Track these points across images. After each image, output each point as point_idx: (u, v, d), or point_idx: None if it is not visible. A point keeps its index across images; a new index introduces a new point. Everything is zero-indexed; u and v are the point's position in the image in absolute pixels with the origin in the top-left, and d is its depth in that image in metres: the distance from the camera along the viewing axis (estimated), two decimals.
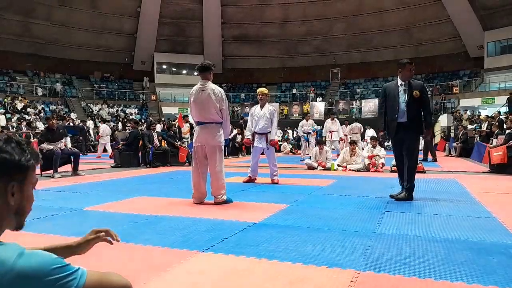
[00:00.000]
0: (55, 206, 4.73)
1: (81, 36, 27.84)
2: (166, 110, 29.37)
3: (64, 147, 8.82)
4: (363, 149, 10.94)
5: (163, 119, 26.78)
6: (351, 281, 2.27)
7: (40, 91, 25.68)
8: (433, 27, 28.04)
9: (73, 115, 23.44)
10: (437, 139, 21.99)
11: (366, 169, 9.51)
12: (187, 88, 30.52)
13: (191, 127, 15.34)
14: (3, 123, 17.94)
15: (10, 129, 17.17)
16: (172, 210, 4.53)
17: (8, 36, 25.17)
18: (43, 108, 23.54)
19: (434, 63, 28.38)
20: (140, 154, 11.16)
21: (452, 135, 17.76)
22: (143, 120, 25.18)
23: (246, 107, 29.17)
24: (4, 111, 20.16)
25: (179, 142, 12.31)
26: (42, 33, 26.46)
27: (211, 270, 2.49)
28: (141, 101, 29.77)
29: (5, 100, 22.46)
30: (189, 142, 13.50)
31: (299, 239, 3.20)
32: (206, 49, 31.54)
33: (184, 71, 32.53)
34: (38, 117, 21.89)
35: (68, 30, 27.34)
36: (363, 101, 27.18)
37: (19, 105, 22.35)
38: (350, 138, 14.72)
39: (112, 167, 10.81)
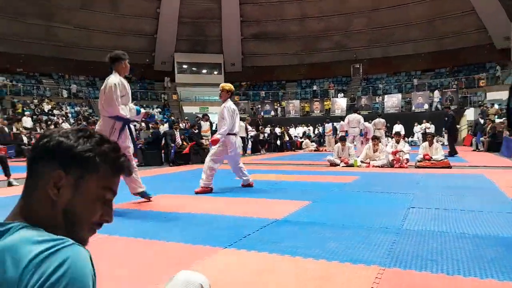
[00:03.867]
0: None
1: (102, 38, 28.38)
2: (187, 109, 29.64)
3: None
4: (386, 145, 10.76)
5: (186, 118, 27.07)
6: (376, 277, 2.23)
7: (65, 93, 26.34)
8: (456, 19, 27.30)
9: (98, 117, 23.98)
10: (463, 133, 21.45)
11: (390, 165, 9.35)
12: (207, 87, 30.80)
13: (211, 125, 15.44)
14: (29, 124, 18.47)
15: (38, 130, 17.67)
16: (194, 207, 4.56)
17: (33, 40, 25.89)
18: (68, 110, 24.15)
19: (458, 56, 27.63)
20: (163, 153, 11.31)
21: (479, 129, 17.26)
22: (164, 120, 25.49)
23: (266, 105, 29.16)
24: (31, 113, 20.76)
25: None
26: (65, 36, 27.09)
27: (233, 267, 2.49)
28: (162, 101, 30.15)
29: (33, 102, 23.13)
30: (209, 140, 13.58)
31: (322, 236, 3.17)
32: (226, 48, 31.65)
33: (204, 70, 32.75)
34: (64, 118, 22.46)
35: (90, 33, 27.91)
36: (386, 96, 26.72)
37: (46, 107, 22.98)
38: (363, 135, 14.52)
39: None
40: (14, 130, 17.66)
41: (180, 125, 14.36)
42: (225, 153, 5.87)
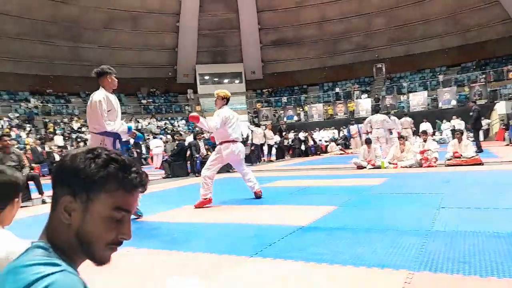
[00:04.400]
0: None
1: (126, 55, 29.12)
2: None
3: None
4: (413, 144, 10.51)
5: None
6: (405, 282, 2.17)
7: None
8: (480, 12, 26.50)
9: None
10: (495, 128, 20.69)
11: (419, 165, 9.11)
12: None
13: None
14: (61, 143, 19.10)
15: (69, 148, 18.26)
16: (219, 216, 4.58)
17: (61, 62, 26.83)
18: None
19: (484, 48, 26.76)
20: (188, 164, 11.45)
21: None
22: (189, 131, 25.82)
23: (289, 110, 29.09)
24: (62, 132, 21.49)
25: None
26: (90, 56, 27.95)
27: (259, 276, 2.47)
28: (186, 112, 30.59)
29: (63, 120, 23.93)
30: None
31: (348, 241, 3.12)
32: (245, 56, 31.87)
33: (226, 80, 33.05)
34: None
35: (114, 51, 28.71)
36: (411, 94, 26.15)
37: (75, 125, 23.74)
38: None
39: (164, 177, 11.17)
40: (47, 149, 18.33)
41: (204, 135, 14.51)
42: (221, 161, 5.70)
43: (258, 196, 5.72)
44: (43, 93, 26.27)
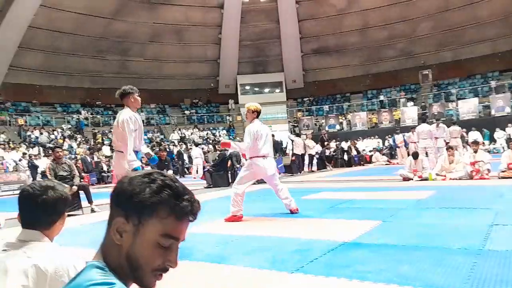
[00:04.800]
0: None
1: (171, 67, 30.10)
2: None
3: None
4: (463, 155, 10.00)
5: None
6: None
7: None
8: None
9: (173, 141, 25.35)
10: None
11: (469, 177, 8.64)
12: (269, 106, 31.11)
13: (275, 144, 15.52)
14: (108, 153, 19.95)
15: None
16: (260, 229, 4.57)
17: (110, 75, 28.20)
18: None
19: None
20: (229, 174, 11.56)
21: None
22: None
23: (331, 119, 28.71)
24: (109, 142, 22.47)
25: None
26: (138, 69, 29.16)
27: None
28: (227, 122, 31.04)
29: (111, 131, 25.04)
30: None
31: (393, 259, 3.00)
32: (286, 66, 31.92)
33: (266, 90, 33.23)
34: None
35: (159, 64, 29.77)
36: (460, 102, 25.00)
37: None
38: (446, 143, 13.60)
39: (205, 187, 11.34)
40: (95, 158, 19.23)
41: None
42: (252, 178, 5.55)
43: (294, 213, 5.52)
44: (93, 105, 27.66)
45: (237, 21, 29.29)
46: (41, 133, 21.87)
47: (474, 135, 17.00)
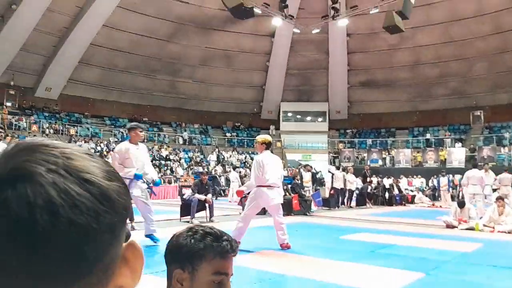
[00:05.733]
0: None
1: (217, 90, 30.86)
2: (290, 156, 29.99)
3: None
4: None
5: (288, 165, 27.42)
6: None
7: (181, 140, 28.94)
8: None
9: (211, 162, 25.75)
10: None
11: None
12: (310, 134, 31.01)
13: (313, 175, 15.29)
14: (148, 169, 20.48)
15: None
16: (298, 269, 4.45)
17: (159, 93, 29.33)
18: (182, 155, 26.37)
19: None
20: None
21: None
22: None
23: (373, 153, 28.07)
24: (151, 158, 23.13)
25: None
26: (186, 90, 30.15)
27: None
28: None
29: (154, 147, 25.84)
30: (311, 191, 13.42)
31: None
32: (331, 96, 31.80)
33: (309, 118, 33.17)
34: (179, 163, 24.52)
35: (207, 86, 30.62)
36: None
37: (164, 153, 25.43)
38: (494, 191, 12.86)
39: (240, 213, 11.29)
40: None
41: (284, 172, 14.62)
42: (256, 207, 5.71)
43: (285, 248, 5.53)
44: (139, 121, 28.68)
45: (286, 50, 29.74)
46: (88, 144, 22.93)
47: None
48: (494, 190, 13.37)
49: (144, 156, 5.74)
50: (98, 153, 20.41)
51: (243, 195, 5.93)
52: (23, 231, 0.34)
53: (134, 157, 5.52)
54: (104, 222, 0.37)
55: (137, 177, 5.54)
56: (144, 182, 5.80)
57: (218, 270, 1.06)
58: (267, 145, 5.75)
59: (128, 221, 6.19)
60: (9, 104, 23.53)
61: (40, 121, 23.04)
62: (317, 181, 17.25)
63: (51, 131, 22.84)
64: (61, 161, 0.38)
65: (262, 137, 5.90)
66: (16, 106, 23.68)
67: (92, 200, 0.37)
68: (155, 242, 5.56)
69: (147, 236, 5.60)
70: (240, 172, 23.62)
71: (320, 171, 21.66)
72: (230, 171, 21.66)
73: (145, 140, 27.01)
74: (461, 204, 9.10)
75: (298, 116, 33.30)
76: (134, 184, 5.53)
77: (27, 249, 0.34)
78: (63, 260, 0.35)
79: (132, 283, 0.42)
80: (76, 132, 24.41)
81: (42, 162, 0.37)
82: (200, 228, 1.10)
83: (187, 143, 29.00)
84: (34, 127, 22.41)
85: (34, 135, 21.33)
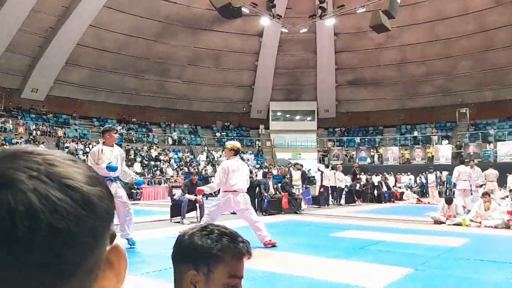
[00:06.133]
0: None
1: (206, 90, 30.81)
2: (279, 155, 30.16)
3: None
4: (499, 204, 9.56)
5: (278, 164, 27.51)
6: None
7: (170, 140, 28.83)
8: None
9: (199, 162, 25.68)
10: None
11: (506, 226, 8.24)
12: (299, 133, 31.18)
13: (303, 174, 15.38)
14: (139, 170, 20.38)
15: (146, 175, 19.40)
16: (290, 266, 4.50)
17: (147, 94, 29.16)
18: (172, 155, 26.26)
19: None
20: (256, 202, 11.52)
21: None
22: (258, 166, 26.20)
23: (362, 151, 28.33)
24: (141, 158, 23.00)
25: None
26: (174, 90, 30.03)
27: None
28: (257, 147, 31.20)
29: (143, 148, 25.70)
30: (300, 189, 13.50)
31: None
32: (320, 95, 31.99)
33: (297, 117, 33.33)
34: (169, 163, 24.42)
35: (196, 86, 30.54)
36: (499, 143, 24.16)
37: (154, 153, 25.30)
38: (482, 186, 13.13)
39: (231, 213, 11.31)
40: None
41: (273, 171, 14.62)
42: (219, 210, 5.94)
43: (268, 246, 5.70)
44: (128, 121, 28.52)
45: (275, 49, 29.82)
46: (77, 145, 22.69)
47: None
48: (481, 186, 13.64)
49: (118, 158, 5.69)
50: (86, 155, 20.23)
51: (203, 194, 6.24)
52: (4, 237, 0.35)
53: (106, 158, 5.55)
54: (85, 227, 0.38)
55: (111, 169, 5.45)
56: (122, 183, 6.01)
57: (234, 273, 1.02)
58: (236, 152, 5.97)
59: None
60: None
61: (27, 123, 22.72)
62: (307, 180, 17.35)
63: (38, 132, 22.53)
64: (43, 167, 0.38)
65: (231, 143, 6.11)
66: (2, 108, 23.29)
67: (72, 205, 0.37)
68: (131, 245, 5.58)
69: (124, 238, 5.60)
70: None
71: (309, 169, 21.81)
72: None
73: (135, 141, 26.88)
74: (449, 201, 9.26)
75: (287, 115, 33.44)
76: (114, 185, 5.57)
77: (8, 255, 0.34)
78: (44, 265, 0.36)
79: (116, 286, 0.43)
80: (64, 133, 24.12)
81: (24, 169, 0.37)
82: (215, 228, 1.05)
83: (176, 143, 28.88)
84: (21, 129, 22.10)
85: (21, 137, 21.07)
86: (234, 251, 1.02)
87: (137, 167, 21.07)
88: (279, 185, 12.18)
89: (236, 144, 6.13)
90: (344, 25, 27.70)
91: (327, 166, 17.22)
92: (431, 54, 28.01)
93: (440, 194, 18.29)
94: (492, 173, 14.53)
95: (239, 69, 30.63)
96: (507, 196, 14.52)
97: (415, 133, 29.10)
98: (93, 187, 0.40)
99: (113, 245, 0.43)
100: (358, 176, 16.84)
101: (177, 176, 22.31)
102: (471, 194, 11.93)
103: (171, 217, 9.19)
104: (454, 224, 8.67)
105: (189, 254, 1.01)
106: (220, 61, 29.82)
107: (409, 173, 23.56)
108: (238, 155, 6.05)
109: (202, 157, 27.04)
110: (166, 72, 28.85)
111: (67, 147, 21.97)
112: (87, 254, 0.39)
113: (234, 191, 5.75)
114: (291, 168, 15.14)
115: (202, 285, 0.99)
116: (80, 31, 23.41)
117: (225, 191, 5.79)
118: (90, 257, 0.39)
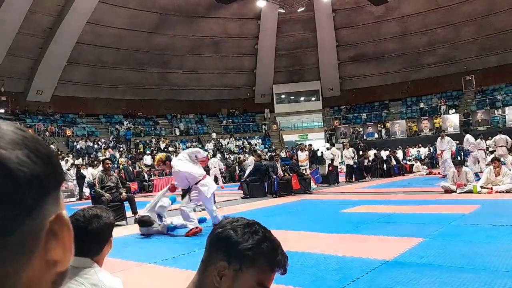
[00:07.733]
0: (196, 242, 5.18)
1: (208, 78, 30.77)
2: (287, 138, 30.18)
3: None
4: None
5: (285, 146, 27.56)
6: None
7: (177, 131, 28.97)
8: None
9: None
10: None
11: None
12: (305, 114, 31.11)
13: (313, 154, 15.39)
14: (149, 162, 20.55)
15: (156, 167, 19.55)
16: (300, 244, 4.58)
17: (150, 86, 29.21)
18: (180, 146, 26.41)
19: None
20: (266, 185, 11.63)
21: None
22: (266, 150, 26.25)
23: (369, 127, 28.20)
24: (150, 151, 23.17)
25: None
26: (177, 80, 30.04)
27: None
28: (263, 131, 31.23)
29: (152, 141, 25.88)
30: (307, 170, 13.53)
31: (438, 281, 2.95)
32: (323, 74, 31.75)
33: (302, 98, 33.18)
34: (175, 155, 24.56)
35: (198, 75, 30.51)
36: (507, 108, 23.89)
37: (162, 145, 25.47)
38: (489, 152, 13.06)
39: (242, 198, 11.46)
40: (137, 168, 19.90)
41: (281, 153, 14.67)
42: (198, 199, 6.20)
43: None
44: (134, 115, 28.67)
45: (274, 31, 29.54)
46: (86, 143, 22.92)
47: None
48: (491, 152, 13.58)
49: None
50: (94, 152, 20.33)
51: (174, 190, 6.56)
52: None
53: None
54: (1, 194, 0.34)
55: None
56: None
57: (263, 282, 0.96)
58: (166, 159, 6.18)
59: (131, 214, 6.30)
60: (2, 110, 23.43)
61: (35, 125, 22.96)
62: (317, 160, 17.36)
63: (47, 134, 22.77)
64: None
65: (157, 157, 6.47)
66: (10, 112, 23.55)
67: None
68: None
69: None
70: (239, 158, 23.77)
71: (318, 149, 21.83)
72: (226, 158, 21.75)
73: (142, 135, 27.07)
74: (458, 162, 9.27)
75: (292, 97, 33.30)
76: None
77: None
78: None
79: (64, 257, 0.40)
80: (73, 132, 24.36)
81: None
82: (260, 229, 0.99)
83: (184, 134, 29.02)
84: (30, 132, 22.28)
85: None
86: (271, 261, 0.96)
87: (148, 160, 21.26)
88: (287, 167, 12.26)
89: (160, 155, 6.47)
90: (342, 0, 27.29)
91: (328, 149, 17.23)
92: (432, 23, 27.54)
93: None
94: (502, 138, 14.40)
95: (240, 54, 30.45)
96: None
97: (421, 105, 28.84)
98: (11, 151, 0.35)
99: (56, 214, 0.40)
100: (363, 152, 16.80)
101: None
102: (478, 163, 11.99)
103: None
104: (464, 192, 8.68)
105: (226, 245, 0.96)
106: (220, 48, 29.66)
107: (420, 145, 23.45)
108: (169, 160, 6.23)
109: (210, 146, 27.17)
110: (167, 63, 28.83)
111: (75, 146, 22.24)
112: (13, 224, 0.35)
113: (200, 180, 6.09)
114: (297, 150, 15.16)
115: (229, 280, 0.94)
116: (78, 28, 23.41)
117: (196, 184, 6.09)
118: (20, 227, 0.35)
